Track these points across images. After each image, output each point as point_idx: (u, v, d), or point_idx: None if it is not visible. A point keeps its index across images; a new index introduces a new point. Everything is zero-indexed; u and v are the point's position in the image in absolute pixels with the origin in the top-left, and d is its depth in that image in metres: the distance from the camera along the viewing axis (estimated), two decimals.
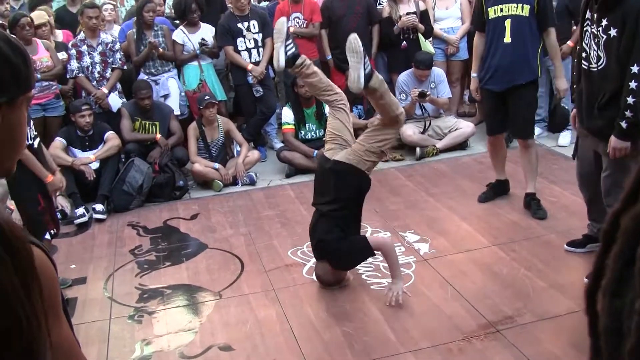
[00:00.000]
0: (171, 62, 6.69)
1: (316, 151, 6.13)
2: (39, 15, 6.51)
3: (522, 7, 4.63)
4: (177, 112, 6.57)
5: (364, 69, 3.67)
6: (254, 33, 6.60)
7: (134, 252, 4.93)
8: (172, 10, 7.38)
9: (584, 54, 3.65)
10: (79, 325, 3.84)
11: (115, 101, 6.34)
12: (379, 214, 5.16)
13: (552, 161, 6.09)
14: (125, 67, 6.49)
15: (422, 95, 6.40)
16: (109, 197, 5.76)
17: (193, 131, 6.25)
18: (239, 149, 6.47)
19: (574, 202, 5.02)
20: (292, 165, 6.32)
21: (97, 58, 6.25)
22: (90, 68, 6.26)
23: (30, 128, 3.89)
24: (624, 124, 3.42)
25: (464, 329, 3.54)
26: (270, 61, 6.99)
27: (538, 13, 4.64)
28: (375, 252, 3.92)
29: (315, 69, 4.04)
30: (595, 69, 3.55)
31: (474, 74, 5.08)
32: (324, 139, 4.53)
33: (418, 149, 6.51)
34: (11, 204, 4.66)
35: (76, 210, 5.58)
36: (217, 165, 6.20)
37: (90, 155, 5.87)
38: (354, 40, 3.73)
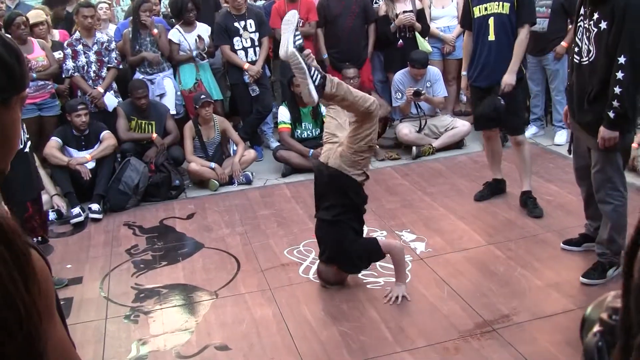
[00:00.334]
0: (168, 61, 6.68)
1: (312, 150, 6.13)
2: (36, 14, 6.49)
3: (503, 5, 4.74)
4: (173, 111, 6.56)
5: (312, 82, 3.54)
6: (250, 32, 6.59)
7: (130, 252, 4.93)
8: (168, 9, 7.36)
9: (576, 49, 3.72)
10: (75, 325, 3.83)
11: (111, 100, 6.32)
12: (376, 213, 5.16)
13: (549, 160, 6.10)
14: (120, 66, 6.48)
15: (416, 94, 6.40)
16: (105, 196, 5.75)
17: (189, 130, 6.24)
18: (235, 148, 6.47)
19: (570, 200, 5.03)
20: (289, 165, 6.31)
21: (93, 57, 6.24)
22: (85, 67, 6.24)
23: (23, 131, 3.86)
24: (612, 114, 3.50)
25: (461, 327, 3.54)
26: (267, 60, 7.06)
27: (517, 9, 4.73)
28: (385, 255, 3.93)
29: (343, 85, 3.80)
30: (586, 62, 3.61)
31: (464, 72, 5.21)
32: (321, 140, 4.51)
33: (414, 148, 6.51)
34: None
35: (72, 210, 5.57)
36: (213, 164, 6.19)
37: (86, 154, 5.86)
38: (292, 56, 3.55)
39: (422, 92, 6.45)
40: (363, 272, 4.21)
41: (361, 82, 6.49)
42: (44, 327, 1.01)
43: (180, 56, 6.62)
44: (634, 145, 5.58)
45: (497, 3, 4.75)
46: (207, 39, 6.66)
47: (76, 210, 5.55)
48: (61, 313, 1.27)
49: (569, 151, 4.13)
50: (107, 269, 4.67)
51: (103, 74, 6.30)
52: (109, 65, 6.32)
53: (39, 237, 4.15)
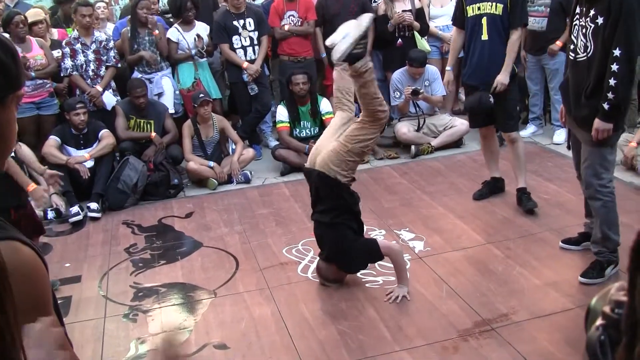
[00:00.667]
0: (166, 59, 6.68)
1: (307, 146, 6.12)
2: (35, 13, 6.49)
3: (496, 6, 4.79)
4: (171, 110, 6.56)
5: (352, 47, 3.59)
6: (249, 31, 6.58)
7: (129, 251, 4.92)
8: (166, 5, 7.36)
9: (571, 46, 3.77)
10: (74, 324, 3.83)
11: (110, 99, 6.32)
12: (374, 212, 5.16)
13: (547, 159, 6.10)
14: (119, 65, 6.47)
15: (415, 93, 6.40)
16: (103, 195, 5.75)
17: (188, 129, 6.24)
18: (233, 147, 6.46)
19: (569, 199, 5.04)
20: (287, 163, 6.31)
21: (91, 56, 6.23)
22: (84, 66, 6.23)
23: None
24: (606, 106, 3.54)
25: (459, 326, 3.54)
26: (266, 59, 7.05)
27: (509, 11, 4.78)
28: (384, 256, 3.93)
29: (373, 76, 3.83)
30: (584, 58, 3.65)
31: (448, 67, 5.32)
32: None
33: (413, 147, 6.51)
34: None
35: (71, 209, 5.57)
36: (211, 163, 6.18)
37: (84, 153, 5.85)
38: (365, 21, 3.69)
39: (421, 91, 6.45)
40: (362, 271, 4.21)
41: None
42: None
43: (179, 55, 6.61)
44: (633, 144, 5.58)
45: (490, 3, 4.80)
46: (205, 38, 6.65)
47: (75, 209, 5.55)
48: (58, 311, 1.27)
49: (568, 147, 4.16)
50: (106, 267, 4.67)
51: (101, 72, 6.30)
52: (108, 64, 6.31)
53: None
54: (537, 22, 6.23)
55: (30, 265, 1.12)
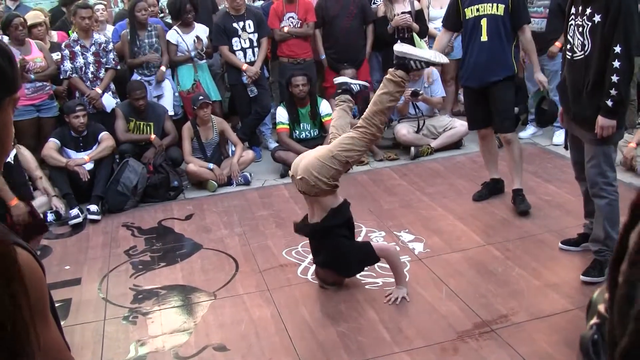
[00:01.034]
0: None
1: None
2: (35, 16, 6.50)
3: (497, 7, 4.79)
4: (171, 112, 6.56)
5: (412, 57, 3.87)
6: (249, 33, 6.59)
7: (129, 253, 4.92)
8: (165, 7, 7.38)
9: (568, 45, 3.79)
10: (73, 327, 3.83)
11: (109, 101, 6.32)
12: (374, 214, 5.16)
13: (547, 160, 6.10)
14: (118, 67, 6.47)
15: (414, 94, 6.40)
16: (103, 197, 5.75)
17: (187, 131, 6.24)
18: (233, 149, 6.46)
19: (568, 200, 5.03)
20: (287, 165, 6.28)
21: (91, 58, 6.24)
22: (83, 68, 6.24)
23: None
24: (609, 102, 3.56)
25: (459, 328, 3.54)
26: (266, 61, 7.05)
27: (512, 12, 4.79)
28: (380, 258, 3.93)
29: (395, 104, 3.99)
30: (581, 56, 3.67)
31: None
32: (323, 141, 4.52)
33: (412, 148, 6.51)
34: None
35: (70, 211, 5.57)
36: (211, 165, 6.19)
37: (84, 156, 5.85)
38: (439, 58, 4.02)
39: (420, 92, 6.46)
40: (361, 272, 4.21)
41: None
42: (36, 329, 1.01)
43: (178, 57, 6.62)
44: (633, 145, 5.59)
45: (490, 4, 4.79)
46: (205, 40, 6.66)
47: (74, 211, 5.55)
48: (55, 315, 1.27)
49: (566, 147, 4.15)
50: (106, 270, 4.67)
51: (101, 75, 6.30)
52: (107, 66, 6.32)
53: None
54: (536, 23, 6.23)
55: (28, 269, 1.12)
